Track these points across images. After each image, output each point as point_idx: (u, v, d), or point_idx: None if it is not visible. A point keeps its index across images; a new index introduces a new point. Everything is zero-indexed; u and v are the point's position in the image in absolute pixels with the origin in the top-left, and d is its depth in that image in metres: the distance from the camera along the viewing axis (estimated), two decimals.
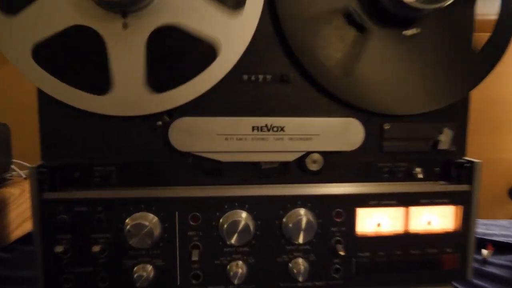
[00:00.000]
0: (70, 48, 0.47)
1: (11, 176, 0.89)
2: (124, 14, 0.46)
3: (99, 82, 0.47)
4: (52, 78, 0.47)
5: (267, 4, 0.49)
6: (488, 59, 0.53)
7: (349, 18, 0.50)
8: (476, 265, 0.70)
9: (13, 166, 0.89)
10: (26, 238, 0.81)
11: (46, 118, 0.50)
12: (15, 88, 0.98)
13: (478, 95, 0.55)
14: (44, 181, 0.49)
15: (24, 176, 0.91)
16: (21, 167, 0.91)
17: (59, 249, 0.49)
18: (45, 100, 0.49)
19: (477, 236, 0.73)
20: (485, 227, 0.86)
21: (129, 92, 0.47)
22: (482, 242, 0.77)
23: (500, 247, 0.77)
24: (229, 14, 0.47)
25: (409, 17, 0.51)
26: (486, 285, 0.64)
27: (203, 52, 0.47)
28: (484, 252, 0.74)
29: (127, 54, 0.46)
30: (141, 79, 0.47)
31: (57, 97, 0.47)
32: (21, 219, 0.83)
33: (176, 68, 0.48)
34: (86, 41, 0.46)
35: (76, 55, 0.47)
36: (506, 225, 0.82)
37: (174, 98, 0.48)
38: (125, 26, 0.46)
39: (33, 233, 0.50)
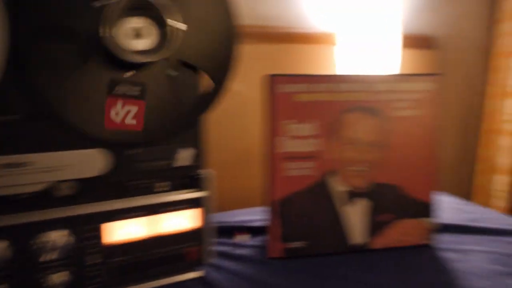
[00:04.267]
0: None
1: None
2: None
3: None
4: None
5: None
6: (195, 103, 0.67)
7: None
8: (227, 249, 0.87)
9: None
10: None
11: None
12: None
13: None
14: None
15: None
16: None
17: None
18: None
19: (234, 225, 0.91)
20: (245, 216, 1.05)
21: None
22: (238, 230, 0.96)
23: (258, 231, 0.97)
24: None
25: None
26: (232, 263, 0.81)
27: None
28: (239, 237, 0.93)
29: None
30: None
31: None
32: None
33: None
34: None
35: None
36: (261, 211, 1.00)
37: None
38: None
39: None
